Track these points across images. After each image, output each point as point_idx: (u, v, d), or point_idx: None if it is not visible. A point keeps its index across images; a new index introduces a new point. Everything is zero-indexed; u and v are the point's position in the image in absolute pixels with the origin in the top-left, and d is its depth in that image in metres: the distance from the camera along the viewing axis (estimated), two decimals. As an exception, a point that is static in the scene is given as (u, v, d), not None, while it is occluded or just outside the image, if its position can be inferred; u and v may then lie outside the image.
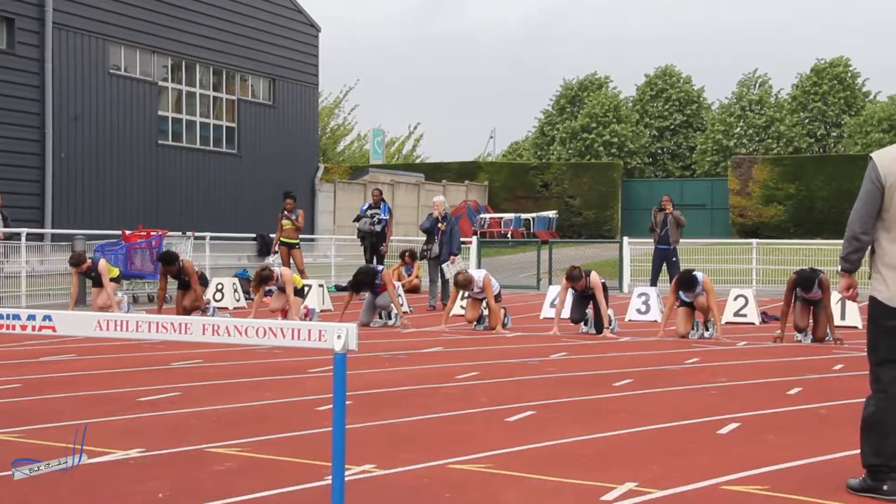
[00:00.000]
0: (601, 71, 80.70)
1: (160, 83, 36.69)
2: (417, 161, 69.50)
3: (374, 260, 23.06)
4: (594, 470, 6.96)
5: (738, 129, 65.39)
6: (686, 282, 15.39)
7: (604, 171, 55.37)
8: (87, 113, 33.06)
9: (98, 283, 17.90)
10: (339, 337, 4.10)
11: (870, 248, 6.56)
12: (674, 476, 6.80)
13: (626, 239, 27.20)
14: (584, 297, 16.30)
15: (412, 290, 24.27)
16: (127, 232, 21.27)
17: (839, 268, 6.72)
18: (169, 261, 18.01)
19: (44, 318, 4.55)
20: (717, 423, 8.73)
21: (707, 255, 30.36)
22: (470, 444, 7.68)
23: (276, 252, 22.96)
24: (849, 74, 65.03)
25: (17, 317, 4.63)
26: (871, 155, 6.56)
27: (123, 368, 11.68)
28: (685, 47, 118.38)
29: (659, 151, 70.40)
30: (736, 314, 18.46)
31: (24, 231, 20.89)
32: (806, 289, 14.94)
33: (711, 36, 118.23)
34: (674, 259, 22.28)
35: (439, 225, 21.22)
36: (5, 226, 21.04)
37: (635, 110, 69.71)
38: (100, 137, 33.38)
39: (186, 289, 18.16)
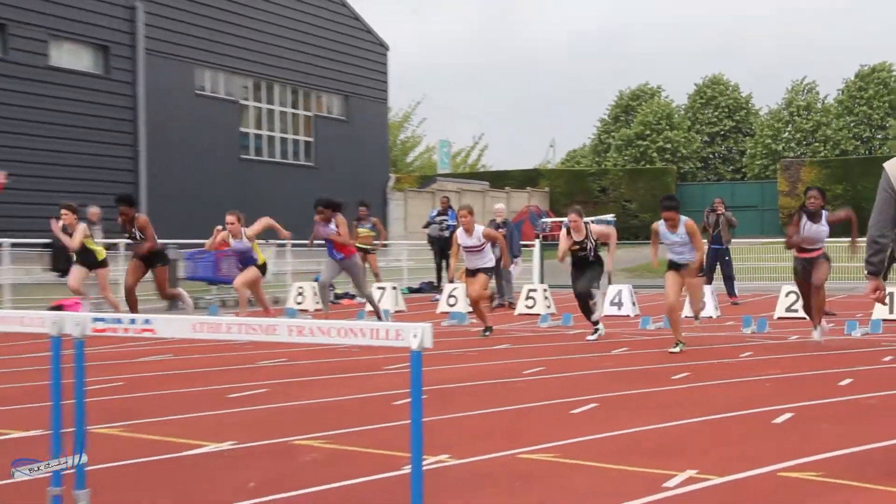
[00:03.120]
0: (653, 81, 79.98)
1: (242, 102, 37.06)
2: (482, 170, 69.45)
3: (444, 263, 23.18)
4: (656, 458, 6.93)
5: (787, 133, 64.62)
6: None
7: (658, 175, 55.04)
8: (176, 130, 33.45)
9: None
10: (415, 336, 4.12)
11: None
12: (732, 463, 6.75)
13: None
14: (584, 262, 14.77)
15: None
16: (214, 241, 21.42)
17: (865, 271, 6.73)
18: (126, 201, 16.53)
19: (144, 322, 4.61)
20: (772, 413, 8.65)
21: (759, 254, 30.12)
22: (538, 436, 7.68)
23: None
24: (892, 79, 64.09)
25: (119, 321, 4.69)
26: (884, 165, 6.66)
27: (215, 367, 11.80)
28: (732, 56, 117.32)
29: (710, 156, 69.83)
30: (787, 309, 18.26)
31: (121, 241, 21.17)
32: (813, 218, 13.52)
33: (758, 45, 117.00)
34: (727, 258, 22.11)
35: (500, 230, 21.41)
36: (104, 237, 21.31)
37: (687, 117, 69.24)
38: (187, 153, 33.77)
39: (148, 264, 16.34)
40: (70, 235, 16.24)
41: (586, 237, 14.58)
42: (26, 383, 10.59)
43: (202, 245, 21.45)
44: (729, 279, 22.07)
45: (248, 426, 8.12)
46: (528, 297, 20.14)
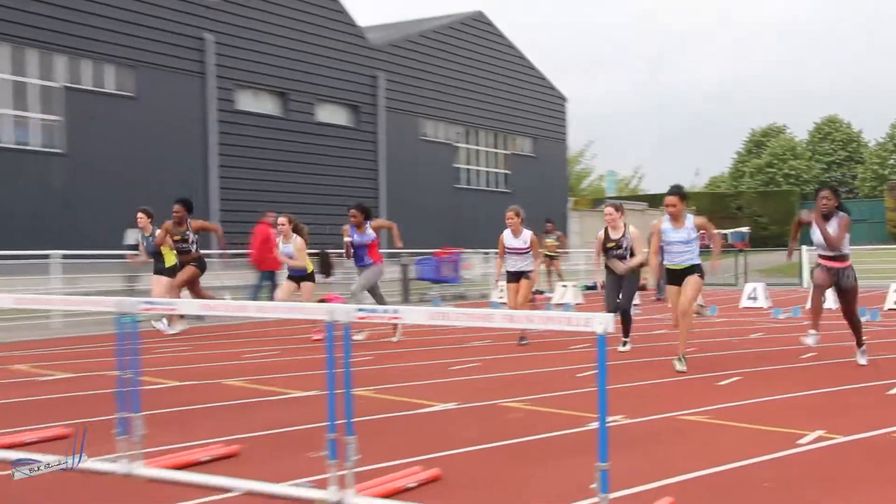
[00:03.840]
0: (779, 121, 77.19)
1: (455, 144, 37.49)
2: (641, 193, 68.32)
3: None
4: (790, 420, 6.68)
5: (892, 160, 61.38)
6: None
7: (784, 196, 53.10)
8: (406, 167, 34.09)
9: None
10: (601, 323, 4.10)
11: None
12: (854, 425, 6.45)
13: (803, 247, 25.96)
14: (617, 281, 11.23)
15: (641, 288, 23.93)
16: (437, 251, 21.80)
17: None
18: (183, 202, 13.52)
19: (394, 311, 4.70)
20: (887, 385, 8.24)
21: (872, 258, 28.70)
22: (692, 401, 7.51)
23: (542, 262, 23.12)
24: (982, 114, 60.13)
25: (375, 311, 4.79)
26: None
27: (439, 346, 11.93)
28: (846, 98, 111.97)
29: (828, 180, 67.01)
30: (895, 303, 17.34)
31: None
32: (826, 220, 9.55)
33: (866, 88, 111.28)
34: None
35: None
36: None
37: (808, 149, 66.66)
38: (414, 184, 34.39)
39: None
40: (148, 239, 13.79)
41: (623, 236, 11.16)
42: (305, 357, 10.96)
43: (427, 254, 21.85)
44: None
45: (466, 391, 8.20)
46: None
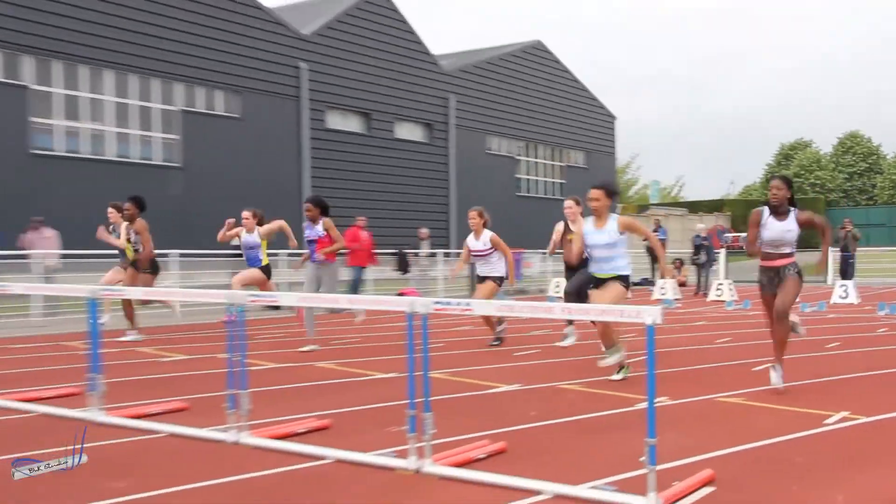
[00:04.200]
0: (806, 135, 75.34)
1: (517, 157, 37.33)
2: (681, 200, 67.25)
3: (654, 265, 22.68)
4: (818, 402, 6.50)
5: (910, 170, 59.53)
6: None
7: (810, 204, 51.66)
8: (474, 178, 34.04)
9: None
10: (650, 315, 4.04)
11: None
12: (876, 407, 6.26)
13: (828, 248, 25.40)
14: (574, 273, 9.43)
15: (682, 284, 23.64)
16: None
17: None
18: (134, 199, 11.64)
19: (466, 304, 4.68)
20: (907, 373, 7.97)
21: (889, 258, 27.87)
22: (729, 385, 7.35)
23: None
24: None
25: (450, 303, 4.77)
26: None
27: (509, 334, 11.83)
28: (867, 114, 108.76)
29: (850, 188, 65.23)
30: (914, 298, 16.77)
31: (440, 251, 21.77)
32: (778, 214, 7.24)
33: (885, 107, 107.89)
34: (850, 261, 21.05)
35: (703, 242, 21.31)
36: (430, 247, 21.95)
37: (832, 161, 64.95)
38: (480, 192, 34.32)
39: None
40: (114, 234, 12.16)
41: None
42: (384, 343, 11.01)
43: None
44: (848, 277, 20.74)
45: (528, 374, 8.14)
46: (717, 289, 19.40)
